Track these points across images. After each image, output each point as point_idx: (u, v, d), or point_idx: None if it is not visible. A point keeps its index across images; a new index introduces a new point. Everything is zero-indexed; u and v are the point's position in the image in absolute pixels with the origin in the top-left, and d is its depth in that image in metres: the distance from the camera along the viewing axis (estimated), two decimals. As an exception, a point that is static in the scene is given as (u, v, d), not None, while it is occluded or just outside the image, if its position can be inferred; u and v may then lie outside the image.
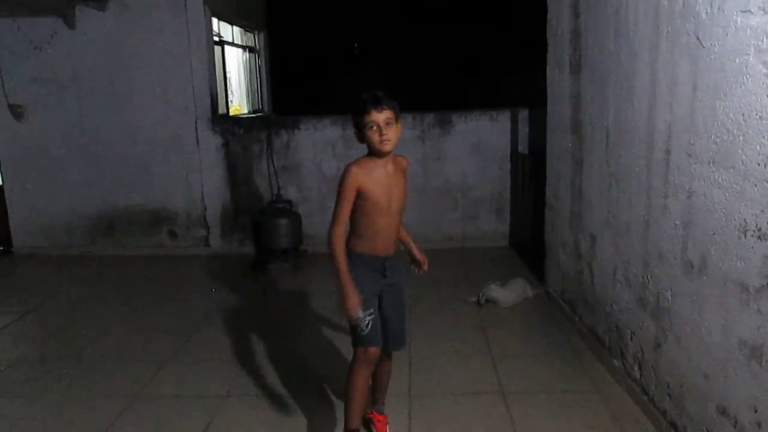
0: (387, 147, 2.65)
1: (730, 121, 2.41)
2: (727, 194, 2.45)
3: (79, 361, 4.08)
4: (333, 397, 3.43)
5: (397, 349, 3.02)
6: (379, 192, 2.70)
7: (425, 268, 3.09)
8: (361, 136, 2.68)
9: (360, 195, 2.67)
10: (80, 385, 3.76)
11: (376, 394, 3.14)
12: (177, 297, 5.30)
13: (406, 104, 5.92)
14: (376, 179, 2.70)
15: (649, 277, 3.16)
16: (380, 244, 2.79)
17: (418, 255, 3.09)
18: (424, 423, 3.22)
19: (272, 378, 3.76)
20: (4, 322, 4.81)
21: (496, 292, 4.82)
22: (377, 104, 2.62)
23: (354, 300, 2.64)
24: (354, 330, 2.78)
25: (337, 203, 2.68)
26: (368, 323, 2.74)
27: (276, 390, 3.61)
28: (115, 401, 3.52)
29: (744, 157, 2.34)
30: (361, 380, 2.77)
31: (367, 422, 3.11)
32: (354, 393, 2.78)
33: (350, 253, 2.76)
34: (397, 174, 2.79)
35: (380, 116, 2.61)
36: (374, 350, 2.77)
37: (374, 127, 2.62)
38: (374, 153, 2.69)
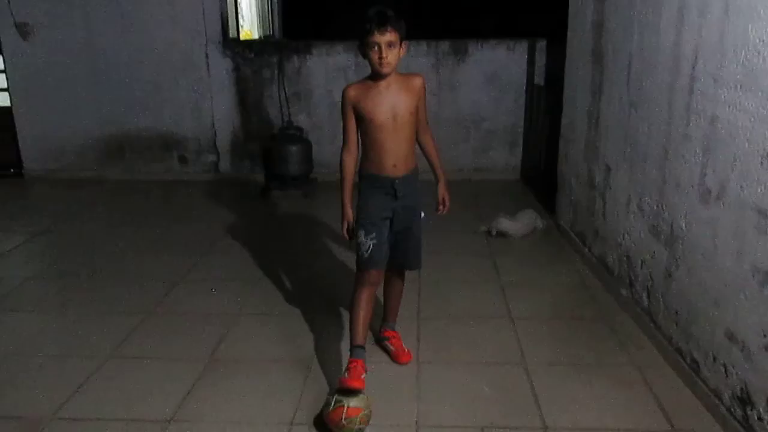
0: (386, 69, 2.65)
1: (761, 43, 2.34)
2: (752, 119, 2.40)
3: (92, 279, 4.14)
4: (342, 315, 3.48)
5: (410, 269, 3.07)
6: (374, 110, 2.70)
7: (443, 211, 3.08)
8: (365, 53, 2.66)
9: (357, 114, 2.72)
10: (93, 301, 3.82)
11: (387, 313, 3.20)
12: (187, 220, 5.34)
13: (419, 33, 5.79)
14: (373, 98, 2.70)
15: (664, 206, 3.14)
16: (387, 163, 2.77)
17: (440, 194, 3.07)
18: (433, 344, 3.27)
19: (282, 298, 3.82)
20: (17, 241, 4.86)
21: (506, 223, 4.82)
22: (381, 25, 2.56)
23: (345, 222, 2.82)
24: (357, 248, 2.83)
25: (342, 128, 2.81)
26: (369, 247, 2.78)
27: (286, 309, 3.67)
28: (129, 318, 3.58)
29: (773, 80, 2.28)
30: (363, 299, 2.81)
31: (381, 341, 3.19)
32: (357, 311, 2.82)
33: (361, 175, 2.81)
34: (403, 92, 2.73)
35: (383, 38, 2.57)
36: (374, 273, 2.81)
37: (375, 48, 2.59)
38: (373, 72, 2.69)
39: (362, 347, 2.75)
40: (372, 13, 2.57)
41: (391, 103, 2.71)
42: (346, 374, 2.66)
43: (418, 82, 2.80)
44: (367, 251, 2.79)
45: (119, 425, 2.66)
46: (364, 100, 2.70)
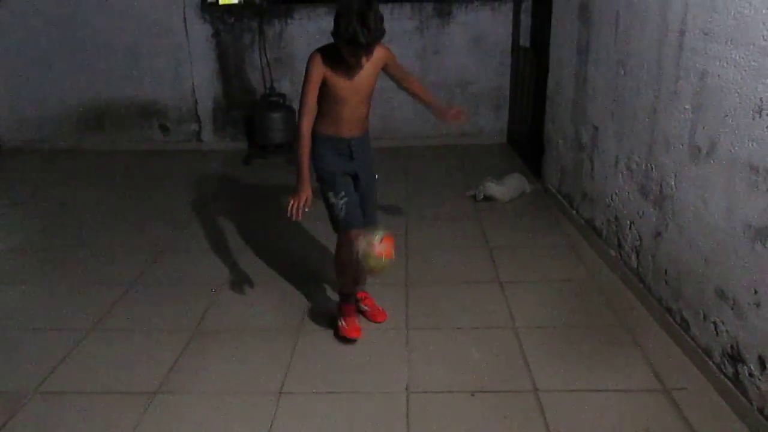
0: (357, 70, 2.61)
1: (753, -7, 2.28)
2: (743, 73, 2.35)
3: (74, 251, 4.06)
4: (328, 282, 3.44)
5: (373, 226, 2.91)
6: (343, 85, 2.63)
7: (460, 118, 3.02)
8: (338, 41, 2.50)
9: (324, 83, 2.61)
10: (75, 273, 3.75)
11: (361, 277, 3.10)
12: (169, 190, 5.23)
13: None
14: (341, 72, 2.61)
15: (653, 165, 3.10)
16: (344, 128, 2.74)
17: (443, 108, 3.03)
18: (422, 309, 3.25)
19: (268, 266, 3.76)
20: (-4, 213, 4.76)
21: (493, 188, 4.77)
22: (370, 44, 2.48)
23: (303, 196, 2.60)
24: (329, 212, 2.82)
25: (303, 91, 2.63)
26: (342, 207, 2.77)
27: (272, 277, 3.62)
28: (112, 288, 3.52)
29: (765, 32, 2.22)
30: (347, 258, 2.80)
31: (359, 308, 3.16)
32: (343, 269, 2.91)
33: (314, 135, 2.71)
34: (369, 67, 2.65)
35: (367, 53, 2.53)
36: (354, 232, 2.76)
37: (357, 55, 2.52)
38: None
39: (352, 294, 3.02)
40: (361, 26, 2.40)
41: (359, 79, 2.65)
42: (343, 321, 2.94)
43: (380, 53, 2.70)
44: (341, 210, 2.78)
45: (104, 398, 2.62)
46: (333, 74, 2.60)
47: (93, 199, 5.06)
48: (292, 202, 2.60)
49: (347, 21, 2.41)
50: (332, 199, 2.77)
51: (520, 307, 3.25)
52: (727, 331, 2.49)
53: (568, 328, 3.06)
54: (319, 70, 2.59)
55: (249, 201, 5.02)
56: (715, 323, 2.57)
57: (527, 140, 5.69)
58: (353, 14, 2.40)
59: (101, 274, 3.73)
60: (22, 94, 6.37)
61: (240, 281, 3.56)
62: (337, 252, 2.92)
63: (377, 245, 2.56)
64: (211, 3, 6.24)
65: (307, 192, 2.63)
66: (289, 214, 2.60)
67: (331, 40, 2.55)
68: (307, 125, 2.66)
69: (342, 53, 2.55)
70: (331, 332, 3.04)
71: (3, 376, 2.78)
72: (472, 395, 2.58)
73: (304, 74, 2.63)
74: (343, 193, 2.76)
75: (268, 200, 4.92)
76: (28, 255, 4.07)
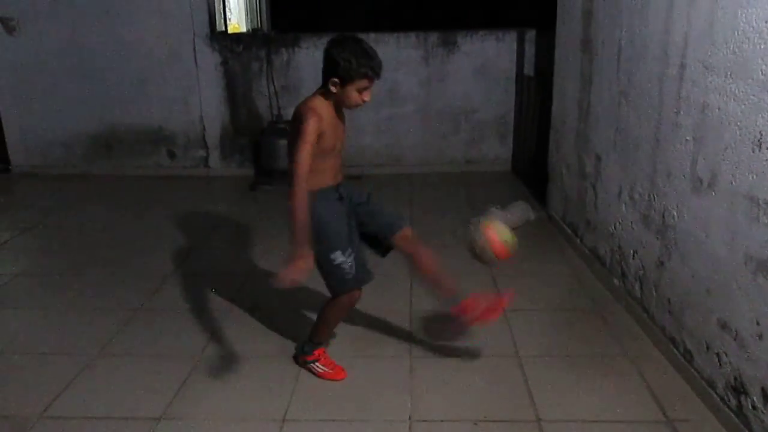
0: (341, 118, 2.63)
1: (751, 29, 2.32)
2: (743, 106, 2.38)
3: (80, 276, 4.09)
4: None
5: (403, 226, 2.86)
6: (332, 135, 2.56)
7: None
8: (337, 88, 2.48)
9: (318, 139, 2.48)
10: (82, 298, 3.78)
11: (445, 286, 2.93)
12: (176, 216, 5.27)
13: (408, 24, 5.73)
14: (332, 123, 2.55)
15: (655, 196, 3.12)
16: (332, 176, 2.66)
17: None
18: (425, 336, 3.25)
19: (273, 293, 3.74)
20: (4, 238, 4.81)
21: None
22: (379, 75, 2.50)
23: (302, 264, 2.41)
24: (334, 275, 2.66)
25: (302, 151, 2.43)
26: (351, 264, 2.65)
27: (276, 304, 3.63)
28: (118, 314, 3.54)
29: (764, 66, 2.26)
30: (344, 315, 2.88)
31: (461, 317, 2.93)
32: (331, 323, 2.93)
33: (309, 194, 2.54)
34: (339, 113, 2.65)
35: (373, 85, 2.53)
36: (359, 293, 2.75)
37: (363, 92, 2.50)
38: (337, 104, 2.57)
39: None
40: (370, 61, 2.44)
41: (341, 125, 2.64)
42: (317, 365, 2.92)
43: None
44: (351, 269, 2.64)
45: (109, 423, 2.63)
46: (328, 126, 2.52)
47: (100, 224, 5.11)
48: (290, 268, 2.40)
49: (357, 58, 2.42)
50: (339, 259, 2.61)
51: (523, 335, 3.25)
52: (730, 362, 2.49)
53: (572, 358, 3.06)
54: (318, 128, 2.46)
55: (254, 227, 5.05)
56: (718, 354, 2.57)
57: (531, 168, 5.73)
58: (359, 51, 2.43)
59: (107, 299, 3.75)
60: (33, 120, 6.46)
61: (244, 307, 3.57)
62: (331, 309, 2.80)
63: (489, 231, 2.60)
64: (221, 32, 6.35)
65: (309, 257, 2.44)
66: (282, 284, 2.39)
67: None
68: (303, 192, 2.43)
69: (344, 100, 2.52)
70: (336, 358, 3.04)
71: (8, 400, 2.79)
72: (475, 424, 2.58)
73: (297, 132, 2.46)
74: (350, 250, 2.64)
75: (273, 226, 4.94)
76: (35, 280, 4.10)
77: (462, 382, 2.87)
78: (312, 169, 2.47)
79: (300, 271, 2.41)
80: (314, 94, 2.58)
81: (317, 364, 2.92)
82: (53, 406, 2.73)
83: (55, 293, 3.88)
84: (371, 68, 2.45)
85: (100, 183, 6.28)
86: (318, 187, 2.58)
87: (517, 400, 2.73)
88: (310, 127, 2.44)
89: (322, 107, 2.53)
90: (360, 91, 2.50)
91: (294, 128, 2.52)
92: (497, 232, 2.67)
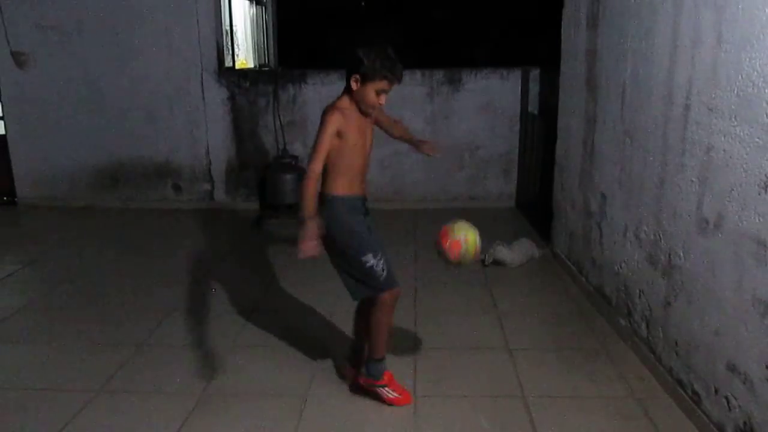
0: (368, 120, 2.78)
1: (756, 73, 2.34)
2: (748, 149, 2.40)
3: (84, 310, 4.08)
4: (336, 346, 3.41)
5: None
6: (357, 134, 2.72)
7: (435, 152, 3.10)
8: (358, 85, 2.64)
9: (340, 137, 2.67)
10: (84, 333, 3.75)
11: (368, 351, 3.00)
12: (180, 250, 5.28)
13: (413, 62, 5.79)
14: (354, 123, 2.72)
15: (661, 235, 3.12)
16: (358, 184, 2.82)
17: (423, 141, 3.14)
18: (430, 377, 3.22)
19: (276, 329, 3.75)
20: (9, 270, 4.80)
21: (502, 252, 4.79)
22: (400, 79, 2.65)
23: (311, 238, 2.55)
24: (371, 277, 2.76)
25: (320, 139, 2.64)
26: (383, 267, 2.76)
27: (280, 340, 3.61)
28: (120, 350, 3.52)
29: (768, 110, 2.28)
30: (390, 318, 2.87)
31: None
32: (385, 329, 2.88)
33: (334, 198, 2.74)
34: (367, 118, 2.80)
35: (391, 89, 2.69)
36: (398, 289, 2.83)
37: (381, 94, 2.67)
38: (358, 105, 2.71)
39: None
40: (394, 64, 2.61)
41: (367, 130, 2.79)
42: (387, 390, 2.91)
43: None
44: (383, 271, 2.76)
45: (109, 463, 2.59)
46: (348, 126, 2.68)
47: (104, 258, 5.11)
48: (305, 242, 2.53)
49: (381, 59, 2.58)
50: (371, 261, 2.72)
51: (529, 375, 3.21)
52: (739, 406, 2.46)
53: (578, 399, 3.02)
54: (338, 122, 2.64)
55: (258, 262, 5.05)
56: (727, 398, 2.54)
57: (536, 205, 5.74)
58: (384, 54, 2.59)
59: (109, 335, 3.73)
60: (40, 153, 6.52)
61: (248, 344, 3.55)
62: (377, 314, 2.83)
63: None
64: (228, 68, 6.44)
65: (317, 225, 2.57)
66: (302, 256, 2.53)
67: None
68: (319, 168, 2.65)
69: (362, 98, 2.66)
70: (339, 396, 3.02)
71: (8, 438, 2.76)
72: (481, 467, 2.54)
73: (320, 124, 2.66)
74: (379, 253, 2.76)
75: (278, 261, 4.95)
76: (37, 314, 4.08)
77: (467, 422, 2.83)
78: (340, 169, 2.71)
79: (313, 244, 2.55)
80: (340, 96, 2.74)
81: (387, 389, 2.92)
82: (53, 444, 2.70)
83: (57, 328, 3.85)
84: (392, 71, 2.61)
85: (106, 216, 6.30)
86: (345, 192, 2.76)
87: (523, 443, 2.69)
88: (331, 119, 2.63)
89: (346, 106, 2.70)
90: (378, 93, 2.64)
91: (320, 123, 2.69)
92: (451, 231, 2.89)
